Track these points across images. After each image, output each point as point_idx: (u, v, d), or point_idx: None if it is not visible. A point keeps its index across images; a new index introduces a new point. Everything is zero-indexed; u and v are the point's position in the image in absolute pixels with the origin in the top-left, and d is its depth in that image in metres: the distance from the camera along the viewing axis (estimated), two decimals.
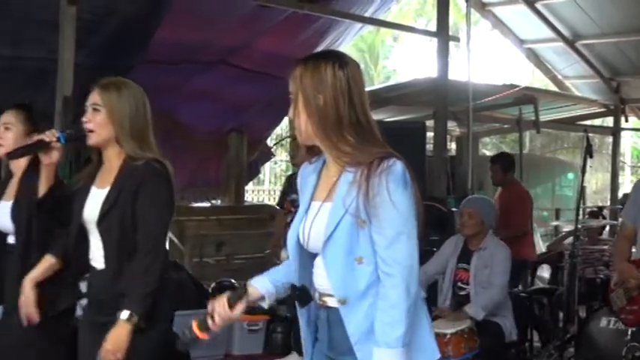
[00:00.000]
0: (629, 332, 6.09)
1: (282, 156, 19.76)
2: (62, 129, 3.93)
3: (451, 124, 12.95)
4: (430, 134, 11.25)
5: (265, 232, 10.20)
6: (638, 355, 6.07)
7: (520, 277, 8.55)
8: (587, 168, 7.41)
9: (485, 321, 6.12)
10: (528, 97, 13.66)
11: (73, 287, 3.79)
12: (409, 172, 2.81)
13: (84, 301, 3.77)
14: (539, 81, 20.06)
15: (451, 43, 11.17)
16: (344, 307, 2.83)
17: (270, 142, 14.27)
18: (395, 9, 21.20)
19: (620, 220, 7.10)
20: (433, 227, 8.10)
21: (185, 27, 9.03)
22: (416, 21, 27.14)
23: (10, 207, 4.21)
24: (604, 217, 10.47)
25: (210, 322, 3.05)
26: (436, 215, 8.61)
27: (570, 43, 14.35)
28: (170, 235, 8.24)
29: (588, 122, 16.33)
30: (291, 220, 3.18)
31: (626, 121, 16.07)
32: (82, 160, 4.10)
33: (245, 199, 14.19)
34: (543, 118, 14.65)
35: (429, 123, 11.11)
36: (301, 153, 3.05)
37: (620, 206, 9.30)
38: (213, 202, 12.91)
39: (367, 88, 2.96)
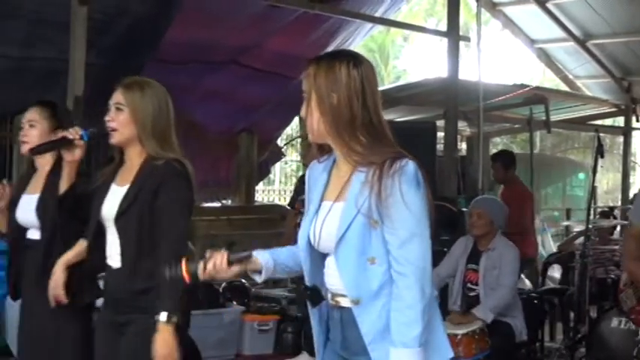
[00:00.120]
0: None
1: (292, 156, 19.75)
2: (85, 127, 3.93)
3: (461, 124, 12.95)
4: (440, 134, 11.23)
5: (276, 232, 10.19)
6: None
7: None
8: (598, 168, 7.39)
9: (496, 321, 6.10)
10: (539, 96, 13.63)
11: (95, 282, 3.79)
12: (421, 173, 2.81)
13: (101, 300, 3.78)
14: (549, 81, 20.05)
15: (461, 43, 11.18)
16: (357, 307, 2.82)
17: (280, 142, 14.29)
18: (405, 9, 21.23)
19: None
20: (444, 227, 8.09)
21: (196, 26, 9.05)
22: (426, 21, 27.14)
23: (33, 201, 4.22)
24: (615, 217, 10.43)
25: (201, 268, 2.98)
26: (447, 215, 8.60)
27: (581, 42, 14.33)
28: None
29: (599, 122, 16.31)
30: (302, 220, 3.17)
31: (637, 120, 16.03)
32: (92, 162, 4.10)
33: (255, 199, 14.18)
34: (554, 117, 14.62)
35: (440, 123, 11.10)
36: (312, 152, 3.04)
37: (631, 206, 9.29)
38: (224, 202, 12.92)
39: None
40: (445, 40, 10.98)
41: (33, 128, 4.29)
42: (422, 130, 10.07)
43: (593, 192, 8.55)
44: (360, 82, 2.85)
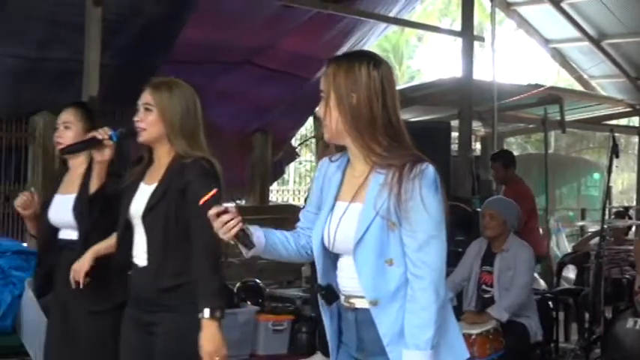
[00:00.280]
0: None
1: (306, 156, 19.77)
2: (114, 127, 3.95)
3: (476, 124, 12.94)
4: (455, 134, 11.23)
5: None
6: None
7: None
8: (613, 168, 7.37)
9: (511, 321, 6.09)
10: (553, 96, 13.61)
11: (125, 280, 3.79)
12: (439, 176, 2.81)
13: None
14: (564, 81, 19.98)
15: (476, 43, 11.16)
16: (375, 309, 2.82)
17: (294, 142, 14.29)
18: (419, 9, 21.15)
19: None
20: (458, 228, 8.07)
21: (210, 27, 9.06)
22: (440, 21, 27.07)
23: (67, 201, 4.20)
24: (630, 218, 10.40)
25: (216, 210, 2.90)
26: (461, 215, 8.58)
27: (596, 42, 14.29)
28: None
29: (614, 122, 16.27)
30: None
31: None
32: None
33: (270, 199, 14.19)
34: (569, 117, 14.59)
35: (454, 123, 11.10)
36: (330, 151, 3.02)
37: None
38: (238, 202, 12.92)
39: None
40: (459, 40, 10.98)
41: (68, 130, 4.29)
42: (436, 130, 10.06)
43: (608, 192, 8.52)
44: (380, 82, 2.84)
